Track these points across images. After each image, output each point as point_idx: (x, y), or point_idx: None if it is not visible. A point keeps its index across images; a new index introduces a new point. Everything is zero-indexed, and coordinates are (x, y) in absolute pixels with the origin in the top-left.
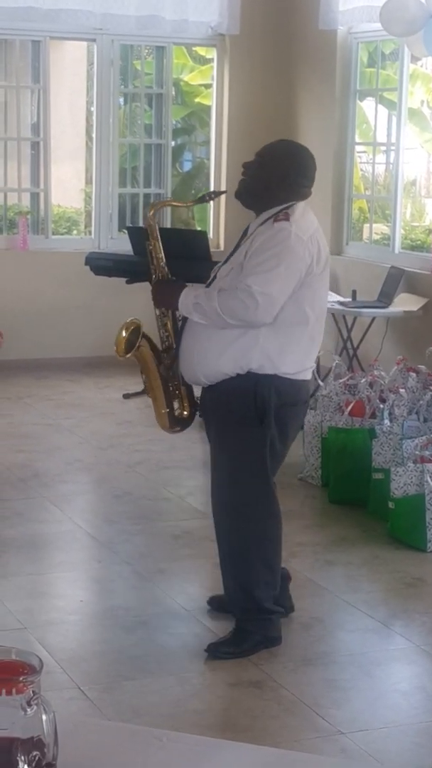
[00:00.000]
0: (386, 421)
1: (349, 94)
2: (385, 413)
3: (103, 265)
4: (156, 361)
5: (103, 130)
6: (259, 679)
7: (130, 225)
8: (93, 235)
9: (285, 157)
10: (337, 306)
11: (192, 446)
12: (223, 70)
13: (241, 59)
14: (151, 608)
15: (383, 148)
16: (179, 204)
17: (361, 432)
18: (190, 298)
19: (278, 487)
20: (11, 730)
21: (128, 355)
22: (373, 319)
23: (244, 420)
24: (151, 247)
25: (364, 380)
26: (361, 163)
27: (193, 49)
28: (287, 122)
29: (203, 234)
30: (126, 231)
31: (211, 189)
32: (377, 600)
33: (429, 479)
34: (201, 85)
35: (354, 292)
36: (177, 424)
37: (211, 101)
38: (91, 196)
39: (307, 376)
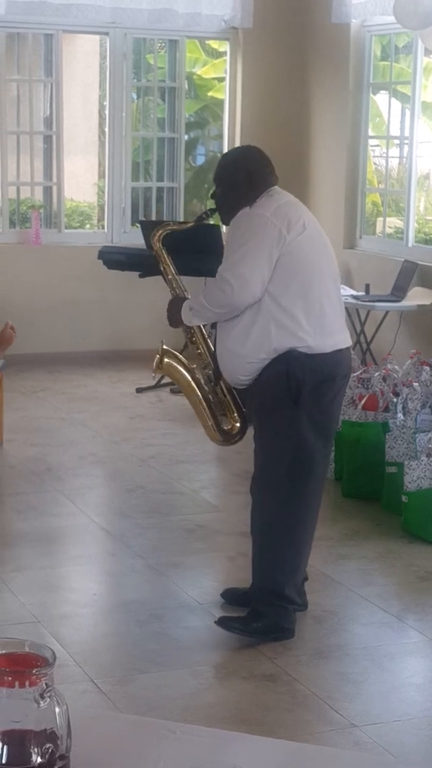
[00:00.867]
0: (400, 415)
1: (362, 88)
2: (399, 407)
3: (116, 259)
4: (189, 375)
5: (116, 123)
6: (273, 673)
7: (143, 219)
8: (106, 229)
9: (236, 161)
10: (350, 300)
11: (205, 440)
12: (236, 63)
13: (254, 53)
14: (164, 602)
15: (397, 141)
16: (179, 228)
17: (374, 426)
18: (186, 308)
19: None
20: (24, 722)
21: (156, 372)
22: (387, 313)
23: (279, 402)
24: (162, 270)
25: (377, 374)
26: (374, 156)
27: (206, 42)
28: (300, 116)
29: (216, 228)
30: (139, 225)
31: (205, 184)
32: (391, 593)
33: None
34: (214, 78)
35: (367, 286)
36: (228, 435)
37: (224, 95)
38: (104, 189)
39: (340, 344)
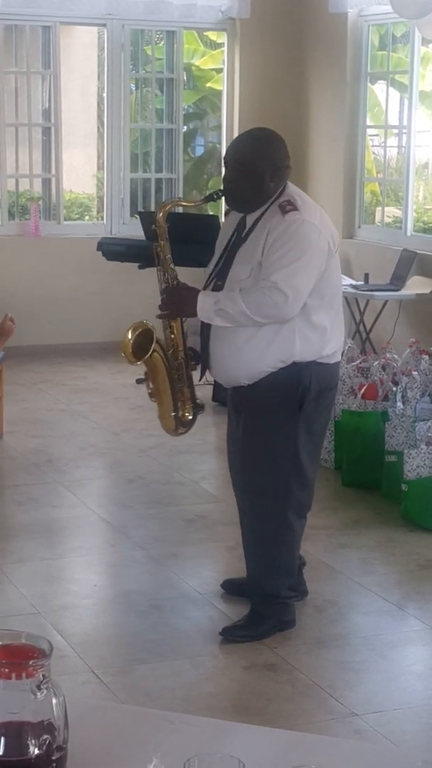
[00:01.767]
0: (399, 404)
1: (360, 78)
2: (398, 396)
3: (115, 250)
4: (167, 366)
5: (115, 115)
6: (273, 662)
7: (142, 210)
8: (105, 221)
9: (263, 151)
10: (349, 289)
11: (205, 431)
12: (234, 54)
13: (252, 43)
14: (164, 592)
15: (395, 131)
16: (188, 203)
17: (374, 415)
18: (209, 304)
19: None
20: (22, 713)
21: (139, 363)
22: (386, 302)
23: (284, 408)
24: (159, 249)
25: (376, 363)
26: (373, 146)
27: (204, 33)
28: (298, 106)
29: (214, 218)
30: (138, 216)
31: (204, 175)
32: (391, 582)
33: None
34: (212, 69)
35: (366, 276)
36: (183, 426)
37: (222, 86)
38: (103, 181)
39: (339, 357)
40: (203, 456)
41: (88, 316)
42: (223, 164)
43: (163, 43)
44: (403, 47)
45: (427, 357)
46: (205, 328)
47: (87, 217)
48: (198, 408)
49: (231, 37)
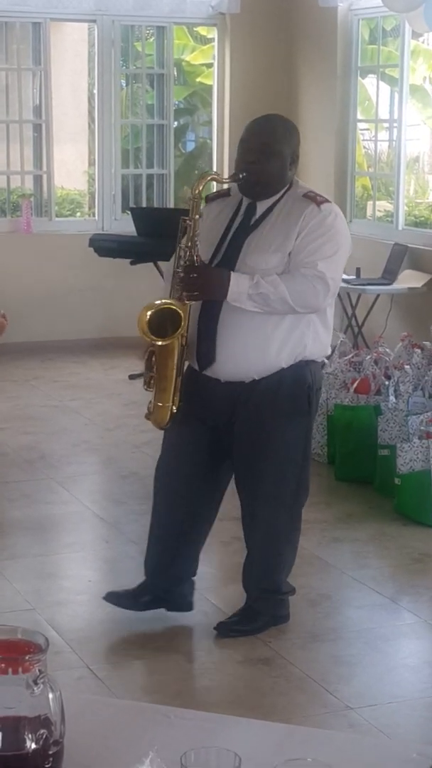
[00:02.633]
0: (391, 398)
1: (350, 72)
2: (391, 390)
3: (107, 246)
4: (178, 353)
5: (105, 111)
6: (268, 656)
7: (134, 206)
8: (97, 217)
9: (290, 134)
10: (341, 284)
11: None
12: (224, 49)
13: (242, 38)
14: None
15: (385, 125)
16: (224, 180)
17: (366, 409)
18: (244, 286)
19: None
20: (18, 708)
21: (160, 343)
22: (378, 296)
23: (295, 409)
24: (189, 223)
25: (369, 357)
26: (363, 140)
27: (194, 29)
28: (289, 100)
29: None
30: (130, 212)
31: (214, 169)
32: (385, 576)
33: None
34: (202, 64)
35: (358, 270)
36: (171, 420)
37: (213, 81)
38: (94, 177)
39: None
40: None
41: (80, 313)
42: (242, 147)
43: (153, 38)
44: (393, 41)
45: (419, 351)
46: (211, 317)
47: (78, 214)
48: (182, 403)
49: (221, 32)
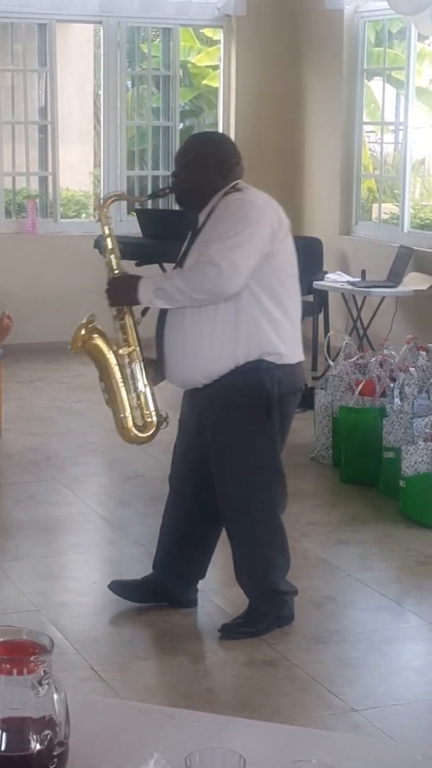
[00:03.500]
0: (397, 400)
1: (356, 74)
2: (396, 392)
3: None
4: (113, 359)
5: (111, 112)
6: (272, 658)
7: (139, 207)
8: None
9: (209, 146)
10: (346, 286)
11: None
12: (230, 51)
13: (248, 40)
14: None
15: (391, 127)
16: (133, 199)
17: (371, 411)
18: (149, 287)
19: (290, 467)
20: (23, 709)
21: (74, 351)
22: (383, 298)
23: (251, 415)
24: (104, 242)
25: (374, 359)
26: (369, 142)
27: (200, 30)
28: (295, 103)
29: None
30: (135, 213)
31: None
32: (389, 578)
33: None
34: (208, 66)
35: (363, 272)
36: (141, 435)
37: (219, 83)
38: (100, 179)
39: (302, 357)
40: None
41: (85, 314)
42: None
43: (159, 40)
44: (399, 43)
45: (424, 353)
46: (160, 328)
47: (84, 215)
48: (161, 420)
49: (227, 34)
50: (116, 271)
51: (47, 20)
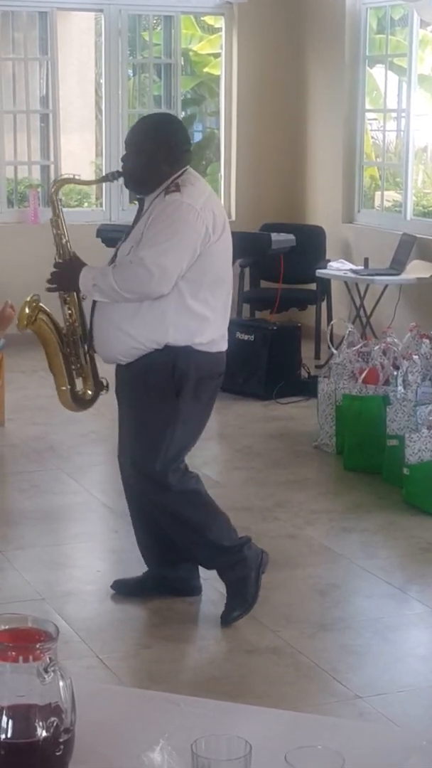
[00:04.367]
0: (400, 388)
1: (358, 61)
2: (399, 380)
3: (115, 236)
4: (57, 337)
5: (112, 101)
6: (276, 646)
7: (141, 196)
8: (104, 207)
9: (159, 130)
10: (349, 274)
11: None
12: (231, 39)
13: (250, 27)
14: None
15: (394, 114)
16: (83, 182)
17: (375, 399)
18: (88, 279)
19: (293, 455)
20: (29, 696)
21: (25, 328)
22: (386, 286)
23: (161, 393)
24: (54, 229)
25: (377, 347)
26: (371, 130)
27: (202, 18)
28: (297, 90)
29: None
30: (137, 202)
31: (203, 161)
32: (393, 566)
33: None
34: (210, 54)
35: (366, 260)
36: (79, 402)
37: (221, 71)
38: (101, 167)
39: (223, 347)
40: (205, 442)
41: (87, 303)
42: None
43: (160, 28)
44: (401, 30)
45: (427, 341)
46: (93, 306)
47: (86, 204)
48: (100, 387)
49: (229, 21)
50: (67, 256)
51: (48, 8)
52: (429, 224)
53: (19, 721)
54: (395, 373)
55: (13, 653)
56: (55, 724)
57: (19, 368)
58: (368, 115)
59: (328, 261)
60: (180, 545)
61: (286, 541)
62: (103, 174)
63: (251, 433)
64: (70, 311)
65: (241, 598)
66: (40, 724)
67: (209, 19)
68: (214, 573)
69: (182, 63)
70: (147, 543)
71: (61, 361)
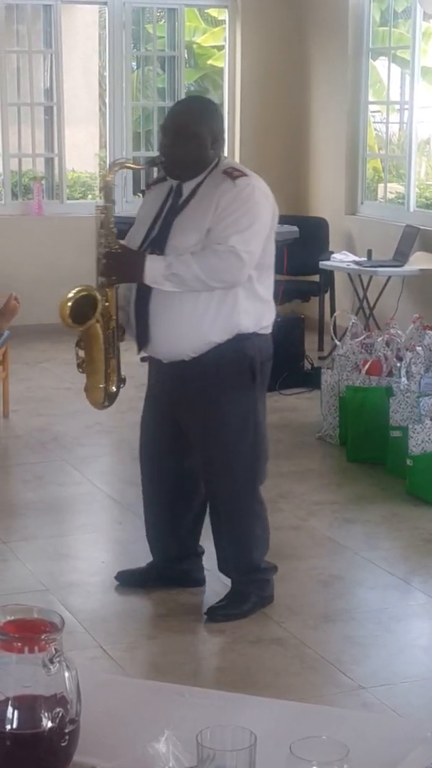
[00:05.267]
0: (403, 379)
1: (361, 53)
2: (402, 371)
3: (118, 229)
4: (104, 334)
5: (116, 94)
6: (281, 637)
7: (145, 189)
8: None
9: (206, 115)
10: (352, 266)
11: None
12: (235, 31)
13: (254, 20)
14: None
15: (397, 107)
16: (136, 168)
17: (378, 390)
18: (159, 268)
19: (296, 447)
20: (34, 687)
21: (80, 328)
22: (389, 278)
23: (237, 384)
24: (103, 213)
25: (380, 339)
26: (374, 122)
27: (205, 11)
28: (300, 83)
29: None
30: (141, 195)
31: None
32: (396, 557)
33: None
34: (213, 47)
35: (369, 252)
36: (109, 399)
37: (224, 63)
38: (106, 160)
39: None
40: None
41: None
42: (161, 131)
43: (164, 21)
44: (404, 23)
45: (430, 332)
46: (143, 299)
47: (90, 196)
48: (121, 381)
49: (232, 14)
50: (116, 246)
51: (52, 1)
52: None
53: (24, 711)
54: (398, 364)
55: (19, 644)
56: (60, 714)
57: (23, 359)
58: (371, 107)
59: (332, 253)
60: (219, 540)
61: (290, 533)
62: (143, 161)
63: None
64: (107, 303)
65: (236, 607)
66: (46, 714)
67: (213, 12)
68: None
69: (186, 55)
70: (159, 532)
71: (103, 358)
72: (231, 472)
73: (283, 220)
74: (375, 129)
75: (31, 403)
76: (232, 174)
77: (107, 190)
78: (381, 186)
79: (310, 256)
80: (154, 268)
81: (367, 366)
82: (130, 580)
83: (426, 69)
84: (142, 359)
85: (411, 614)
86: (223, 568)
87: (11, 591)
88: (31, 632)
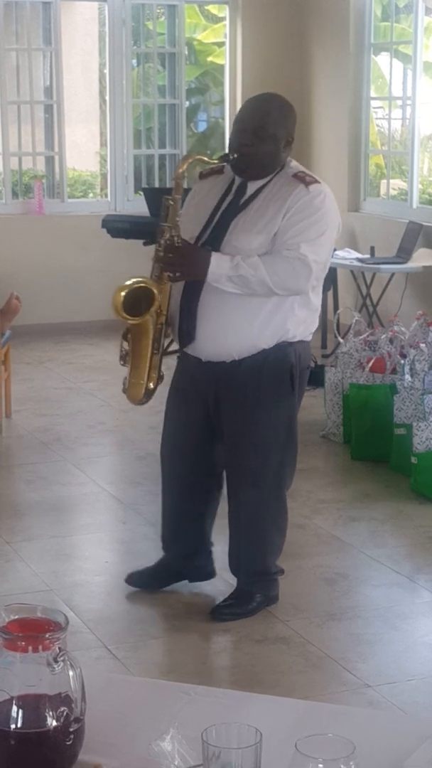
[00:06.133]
0: (407, 377)
1: (363, 49)
2: (406, 368)
3: (120, 227)
4: (153, 328)
5: (117, 91)
6: (286, 635)
7: (146, 186)
8: (109, 198)
9: (284, 117)
10: (355, 263)
11: None
12: (235, 27)
13: (254, 16)
14: None
15: (399, 102)
16: (209, 162)
17: (382, 388)
18: (224, 268)
19: (300, 445)
20: (39, 686)
21: (136, 321)
22: (392, 275)
23: (278, 390)
24: (171, 203)
25: (384, 336)
26: (376, 118)
27: (205, 7)
28: (301, 78)
29: None
30: (142, 192)
31: (207, 151)
32: (402, 554)
33: None
34: (214, 43)
35: (372, 249)
36: (147, 396)
37: (224, 60)
38: (106, 158)
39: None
40: None
41: (93, 294)
42: (237, 127)
43: (164, 17)
44: (406, 18)
45: None
46: (193, 295)
47: (91, 195)
48: (161, 378)
49: (232, 10)
50: (179, 241)
51: None
52: None
53: (29, 711)
54: (402, 361)
55: (23, 643)
56: (65, 713)
57: (24, 359)
58: (373, 103)
59: (334, 250)
60: (235, 541)
61: (294, 531)
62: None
63: None
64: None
65: (242, 607)
66: (51, 713)
67: (213, 8)
68: (224, 563)
69: (186, 52)
70: (176, 529)
71: (149, 354)
72: (259, 479)
73: None
74: (377, 125)
75: (34, 403)
76: (305, 179)
77: (178, 182)
78: (383, 182)
79: None
80: (219, 267)
81: (370, 363)
82: (141, 581)
83: (428, 64)
84: (172, 352)
85: (416, 612)
86: (233, 568)
87: (15, 591)
88: (36, 631)
